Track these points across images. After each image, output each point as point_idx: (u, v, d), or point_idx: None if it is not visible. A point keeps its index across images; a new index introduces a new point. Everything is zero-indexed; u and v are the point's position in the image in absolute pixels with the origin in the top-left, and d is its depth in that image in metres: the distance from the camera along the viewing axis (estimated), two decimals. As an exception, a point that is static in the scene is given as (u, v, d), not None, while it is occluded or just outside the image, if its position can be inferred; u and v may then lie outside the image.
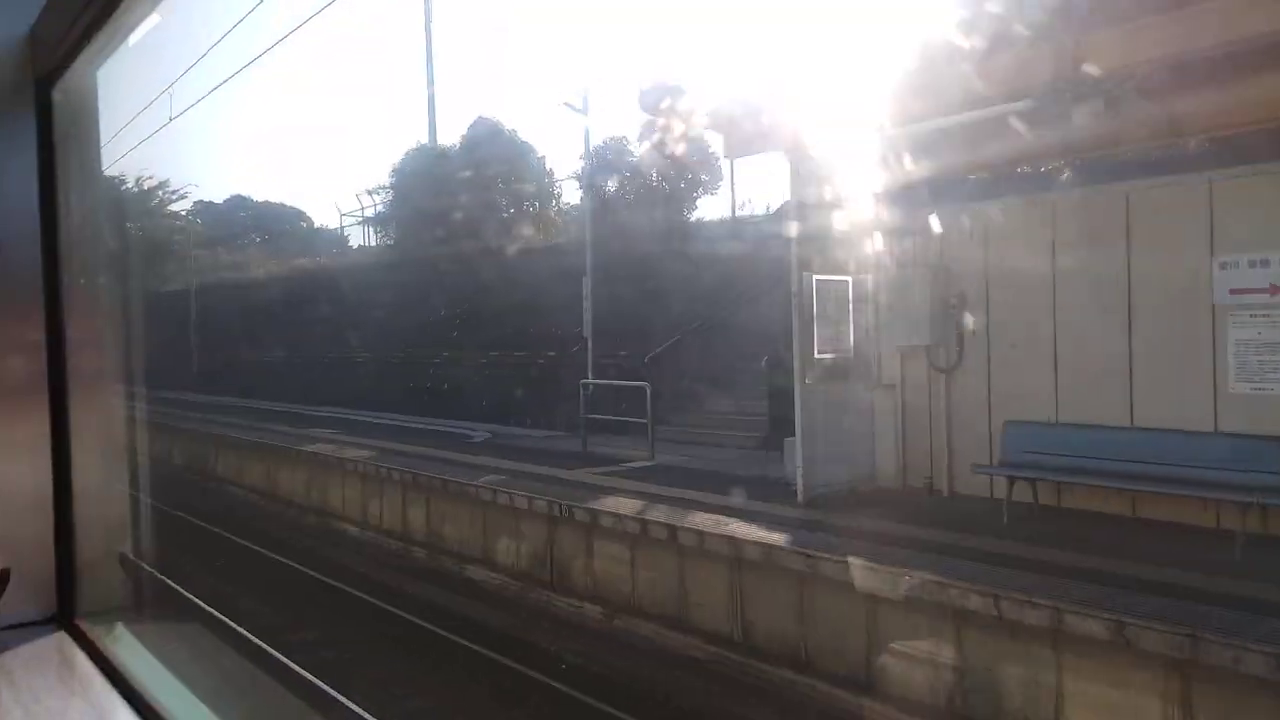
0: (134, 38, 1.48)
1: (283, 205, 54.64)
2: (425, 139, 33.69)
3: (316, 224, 51.67)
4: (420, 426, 16.95)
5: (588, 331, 15.61)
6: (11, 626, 1.54)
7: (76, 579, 1.62)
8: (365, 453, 13.20)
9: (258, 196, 53.14)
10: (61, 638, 1.54)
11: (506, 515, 10.23)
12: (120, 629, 1.62)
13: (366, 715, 6.39)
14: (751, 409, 13.33)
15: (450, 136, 33.65)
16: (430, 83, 36.32)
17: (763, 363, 12.13)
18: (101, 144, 1.84)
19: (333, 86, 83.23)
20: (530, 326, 19.22)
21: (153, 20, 1.40)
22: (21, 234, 1.57)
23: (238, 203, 52.95)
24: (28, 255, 1.58)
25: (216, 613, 8.88)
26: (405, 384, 21.40)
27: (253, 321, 31.59)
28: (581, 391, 12.52)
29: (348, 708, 6.52)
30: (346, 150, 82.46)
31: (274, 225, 51.02)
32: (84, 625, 1.57)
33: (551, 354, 17.90)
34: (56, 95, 1.60)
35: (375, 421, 18.19)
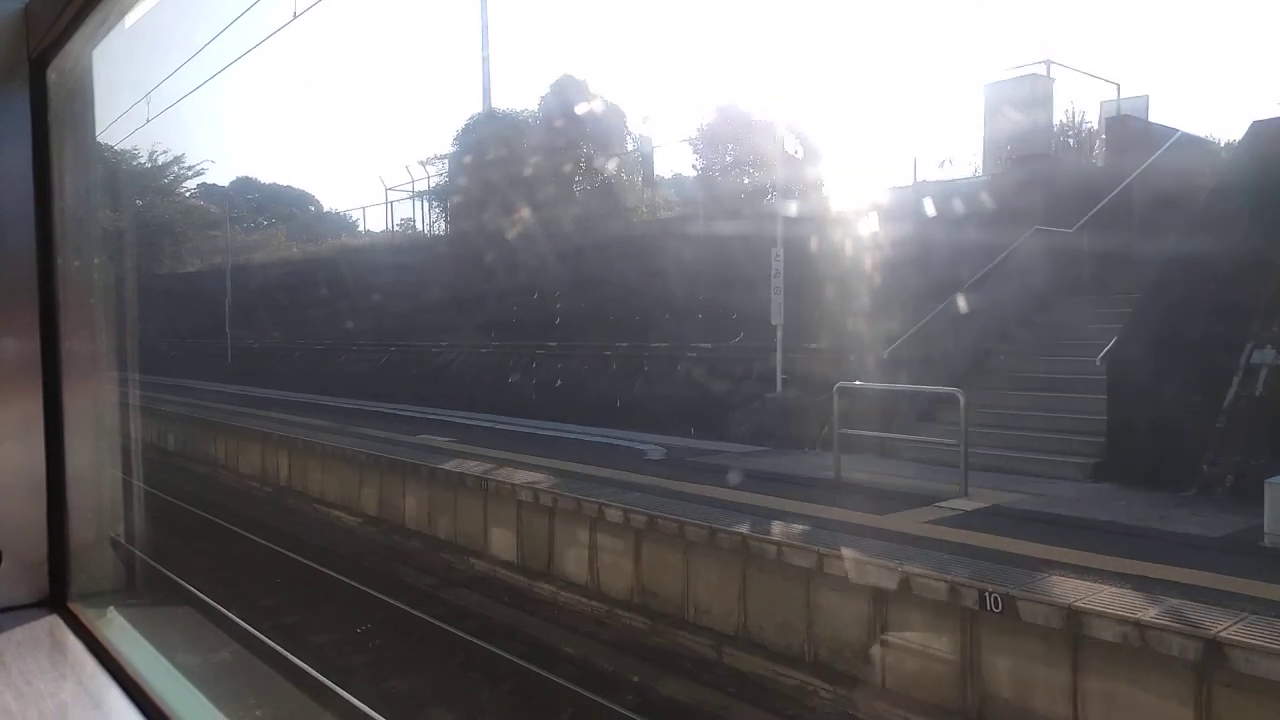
0: (131, 16, 1.42)
1: (290, 187, 52.15)
2: (481, 105, 30.52)
3: (326, 207, 49.72)
4: (554, 434, 13.71)
5: (778, 318, 12.37)
6: (4, 609, 1.52)
7: (69, 562, 1.59)
8: (532, 475, 9.95)
9: (264, 178, 50.84)
10: (54, 621, 1.52)
11: (785, 578, 7.05)
12: (112, 612, 1.59)
13: (349, 695, 6.12)
14: (1027, 420, 10.11)
15: (524, 102, 30.48)
16: (484, 43, 32.96)
17: (1097, 360, 8.87)
18: (98, 125, 1.78)
19: (356, 61, 79.85)
20: (661, 313, 15.99)
21: (150, 0, 1.36)
22: (15, 216, 1.53)
23: (245, 184, 50.44)
24: (22, 237, 1.55)
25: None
26: (502, 379, 18.18)
27: (297, 307, 28.26)
28: (836, 397, 9.25)
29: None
30: (377, 127, 79.27)
31: (283, 208, 48.44)
32: (76, 608, 1.55)
33: (705, 346, 14.66)
34: (51, 75, 1.56)
35: (488, 426, 14.94)
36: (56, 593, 1.58)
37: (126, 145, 39.85)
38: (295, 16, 12.98)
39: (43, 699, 1.24)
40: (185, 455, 18.96)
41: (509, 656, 7.59)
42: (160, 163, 44.73)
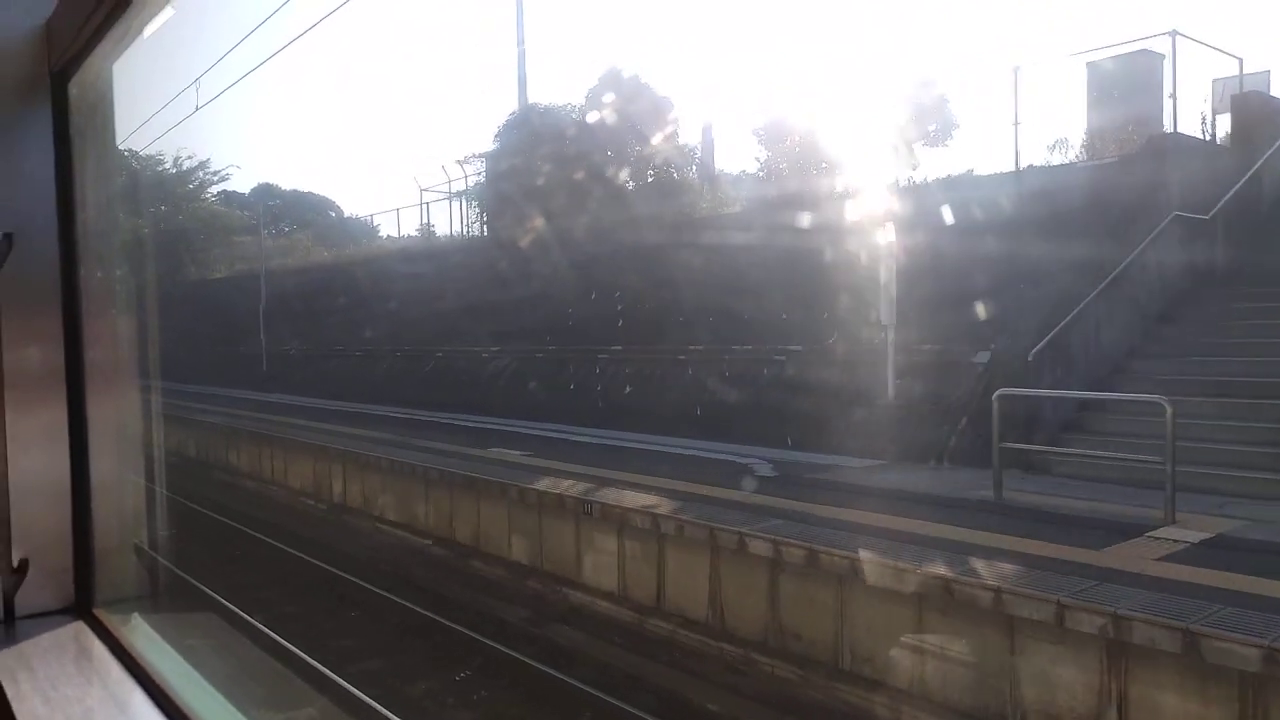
0: (150, 30, 1.43)
1: (311, 193, 51.56)
2: (516, 101, 29.45)
3: (347, 213, 49.43)
4: (636, 446, 12.57)
5: (889, 318, 11.18)
6: (31, 616, 1.53)
7: (94, 570, 1.60)
8: (644, 498, 8.82)
9: (284, 185, 50.50)
10: (79, 627, 1.53)
11: (981, 627, 5.88)
12: (137, 619, 1.60)
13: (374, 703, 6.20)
14: (1201, 430, 8.87)
15: (566, 99, 29.31)
16: (519, 37, 31.96)
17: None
18: (119, 137, 1.80)
19: (378, 64, 79.32)
20: (736, 314, 14.81)
21: (168, 13, 1.38)
22: (39, 228, 1.56)
23: (266, 191, 50.05)
24: (45, 249, 1.57)
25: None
26: (563, 386, 17.08)
27: (332, 312, 27.31)
28: (995, 406, 8.07)
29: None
30: (402, 130, 78.70)
31: (304, 214, 47.87)
32: (102, 615, 1.57)
33: (794, 349, 13.49)
34: (73, 89, 1.59)
35: (560, 437, 13.84)
36: (82, 599, 1.59)
37: (150, 152, 39.51)
38: (307, 29, 11.94)
39: (69, 704, 1.25)
40: (228, 469, 18.00)
41: (644, 716, 6.48)
42: (185, 168, 44.25)
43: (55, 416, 1.57)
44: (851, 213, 14.25)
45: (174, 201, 43.20)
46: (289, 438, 16.01)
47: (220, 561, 11.51)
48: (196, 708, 1.25)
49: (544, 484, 9.65)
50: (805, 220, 14.99)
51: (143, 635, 1.52)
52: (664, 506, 8.30)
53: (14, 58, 1.55)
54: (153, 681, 1.32)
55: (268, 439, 16.67)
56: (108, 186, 1.72)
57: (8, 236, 1.53)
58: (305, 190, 51.76)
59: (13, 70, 1.55)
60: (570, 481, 9.74)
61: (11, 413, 1.54)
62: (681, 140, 23.47)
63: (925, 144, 17.17)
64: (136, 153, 39.71)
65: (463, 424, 16.08)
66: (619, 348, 16.61)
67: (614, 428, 14.28)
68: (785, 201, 16.86)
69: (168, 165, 43.48)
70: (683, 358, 15.10)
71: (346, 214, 50.38)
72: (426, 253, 28.60)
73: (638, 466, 10.64)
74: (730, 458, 11.16)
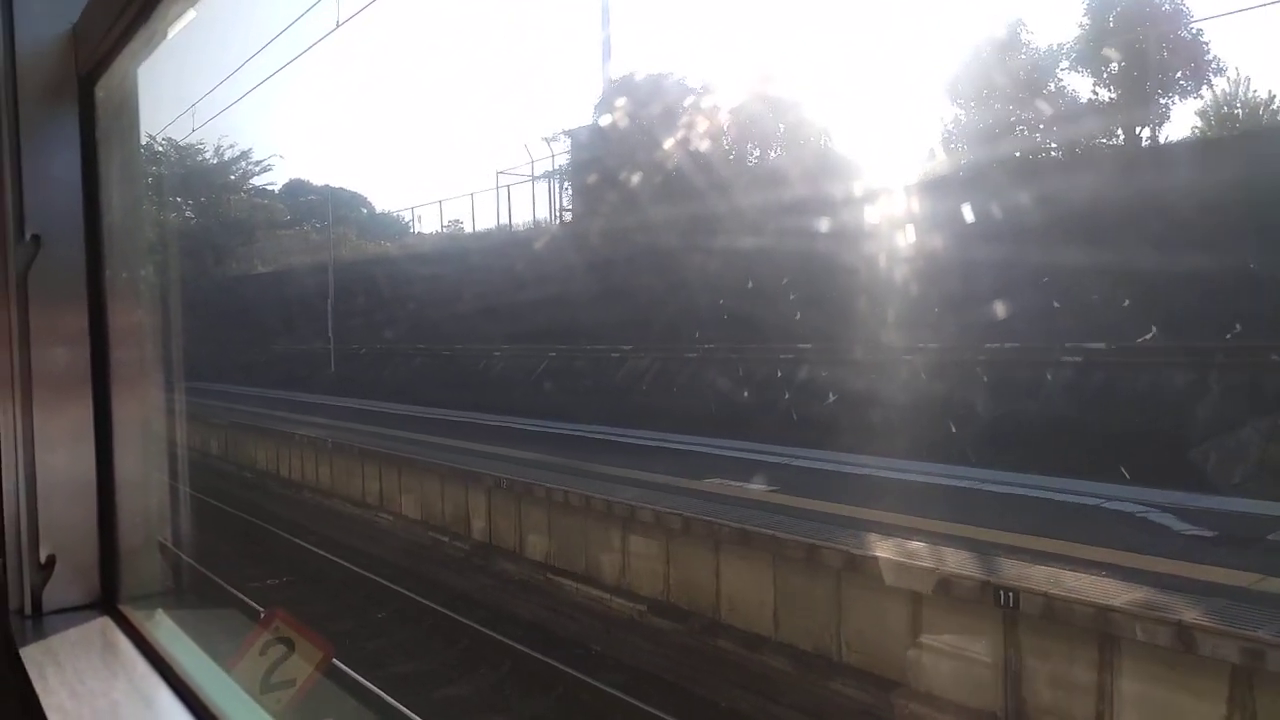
0: (174, 32, 1.46)
1: (343, 189, 49.44)
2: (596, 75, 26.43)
3: (379, 208, 47.85)
4: (912, 478, 9.42)
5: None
6: (58, 611, 1.56)
7: (119, 566, 1.62)
8: (1110, 587, 5.70)
9: (314, 181, 48.76)
10: (105, 622, 1.55)
11: None
12: (161, 614, 1.61)
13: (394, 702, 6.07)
14: None
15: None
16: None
17: None
18: (144, 139, 1.81)
19: (408, 57, 76.87)
20: (978, 298, 11.65)
21: (191, 15, 1.39)
22: (66, 230, 1.57)
23: (298, 186, 47.98)
24: (72, 250, 1.58)
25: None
26: (734, 391, 14.03)
27: (402, 304, 24.34)
28: None
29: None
30: (436, 121, 76.15)
31: (338, 209, 45.72)
32: (127, 610, 1.58)
33: (1094, 347, 10.34)
34: (99, 92, 1.60)
35: (775, 462, 10.71)
36: (108, 595, 1.61)
37: (191, 141, 37.55)
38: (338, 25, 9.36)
39: (96, 697, 1.27)
40: (318, 489, 15.12)
41: None
42: (227, 157, 41.94)
43: (81, 415, 1.57)
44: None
45: (214, 192, 40.90)
46: (401, 455, 13.06)
47: (360, 627, 8.62)
48: (219, 700, 1.25)
49: (889, 549, 6.54)
50: (1083, 182, 11.82)
51: (167, 630, 1.51)
52: (1192, 613, 5.17)
53: (42, 62, 1.56)
54: (177, 676, 1.32)
55: (373, 456, 13.74)
56: (134, 188, 1.72)
57: (35, 238, 1.54)
58: (336, 186, 50.08)
59: (41, 74, 1.56)
60: (922, 544, 6.64)
61: (39, 411, 1.54)
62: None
63: (1176, 97, 13.92)
64: (176, 142, 37.37)
65: (628, 441, 12.99)
66: (806, 346, 13.53)
67: (831, 448, 11.15)
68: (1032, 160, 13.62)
69: (208, 155, 41.24)
70: (910, 358, 11.99)
71: (378, 210, 48.60)
72: (510, 242, 25.62)
73: (959, 514, 7.53)
74: (1083, 500, 8.03)
